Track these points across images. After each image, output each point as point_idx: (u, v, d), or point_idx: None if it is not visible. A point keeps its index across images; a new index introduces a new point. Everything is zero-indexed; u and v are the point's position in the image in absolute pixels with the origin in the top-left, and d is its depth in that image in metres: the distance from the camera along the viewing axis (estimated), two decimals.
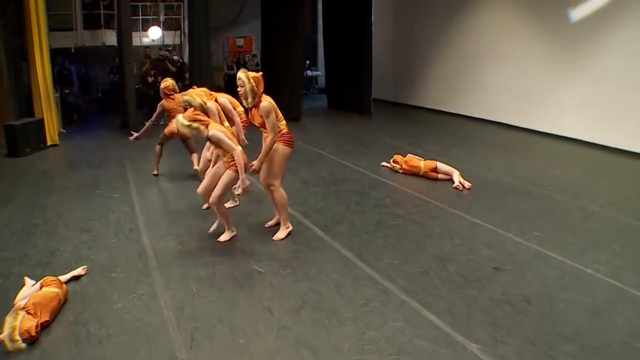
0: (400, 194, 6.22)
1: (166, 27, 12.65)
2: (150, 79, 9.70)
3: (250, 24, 14.08)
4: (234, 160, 4.34)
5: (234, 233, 4.76)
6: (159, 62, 10.24)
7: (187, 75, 11.01)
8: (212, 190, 4.48)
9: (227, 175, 4.45)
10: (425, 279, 4.09)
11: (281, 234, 4.78)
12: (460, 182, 6.44)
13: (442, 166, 6.77)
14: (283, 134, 4.61)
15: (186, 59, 11.42)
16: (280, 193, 4.73)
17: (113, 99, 11.44)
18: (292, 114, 10.79)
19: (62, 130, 9.42)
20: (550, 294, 3.85)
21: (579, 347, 3.16)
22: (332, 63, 13.11)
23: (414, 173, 6.93)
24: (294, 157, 7.58)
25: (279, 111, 4.61)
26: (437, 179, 6.73)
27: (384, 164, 7.44)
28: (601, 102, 8.58)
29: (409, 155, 7.13)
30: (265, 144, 4.55)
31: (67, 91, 10.06)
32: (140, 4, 11.89)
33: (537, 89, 9.76)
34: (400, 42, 13.46)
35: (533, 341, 3.21)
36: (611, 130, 8.45)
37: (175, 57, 11.18)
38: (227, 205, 5.37)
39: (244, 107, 5.01)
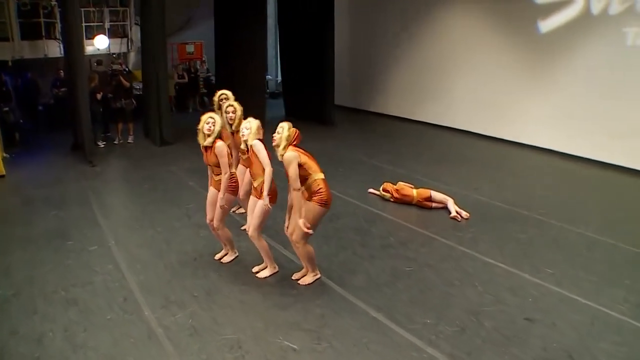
0: (402, 230, 5.98)
1: (111, 34, 11.55)
2: (99, 95, 8.78)
3: (197, 29, 13.27)
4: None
5: (276, 270, 4.78)
6: (111, 77, 9.29)
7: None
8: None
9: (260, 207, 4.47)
10: (465, 339, 3.90)
11: (308, 279, 4.66)
12: (457, 212, 6.33)
13: (436, 195, 6.63)
14: (319, 191, 4.29)
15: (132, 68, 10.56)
16: (307, 248, 4.51)
17: (58, 116, 10.29)
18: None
19: (4, 155, 8.28)
20: (588, 346, 3.83)
21: None
22: (290, 67, 12.43)
23: (406, 202, 6.75)
24: (277, 184, 7.25)
25: (313, 164, 4.40)
26: (431, 208, 6.61)
27: (372, 191, 7.19)
28: (568, 112, 8.90)
29: (399, 183, 6.92)
30: (295, 200, 4.29)
31: (5, 109, 8.87)
32: (83, 9, 10.68)
33: (505, 98, 9.96)
34: (359, 47, 13.19)
35: None
36: (579, 140, 8.80)
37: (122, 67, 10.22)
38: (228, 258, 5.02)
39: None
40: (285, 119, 12.44)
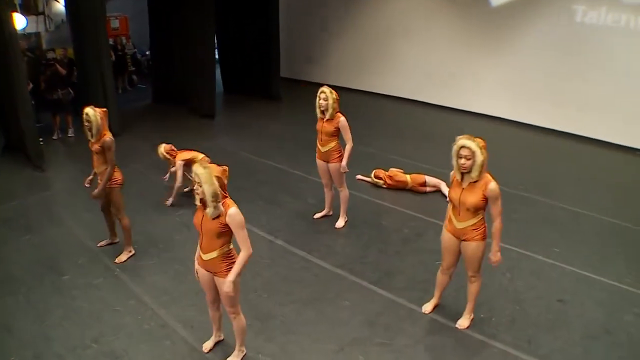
0: (412, 220, 6.05)
1: (24, 11, 9.73)
2: (29, 86, 7.46)
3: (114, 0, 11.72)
4: None
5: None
6: (45, 67, 7.83)
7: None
8: None
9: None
10: (520, 328, 4.16)
11: None
12: None
13: (430, 179, 6.79)
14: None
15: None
16: None
17: None
18: (204, 110, 9.61)
19: None
20: (617, 319, 4.31)
21: None
22: (227, 39, 11.41)
23: (399, 187, 6.82)
24: (253, 176, 6.93)
25: None
26: (425, 192, 6.76)
27: (361, 177, 7.15)
28: (519, 81, 9.49)
29: (391, 169, 6.96)
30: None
31: None
32: None
33: (456, 67, 10.30)
34: (300, 17, 12.64)
35: None
36: (531, 109, 9.48)
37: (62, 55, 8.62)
38: None
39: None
40: (228, 96, 11.79)
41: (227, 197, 3.22)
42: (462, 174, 3.69)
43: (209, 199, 3.10)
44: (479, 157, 3.57)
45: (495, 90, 9.85)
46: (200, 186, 3.10)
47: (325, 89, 5.28)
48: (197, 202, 3.25)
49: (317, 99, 5.33)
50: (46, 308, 4.26)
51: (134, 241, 5.12)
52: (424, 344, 4.03)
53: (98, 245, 5.24)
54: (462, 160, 3.60)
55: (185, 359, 3.76)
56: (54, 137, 8.21)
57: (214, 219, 3.17)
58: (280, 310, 4.35)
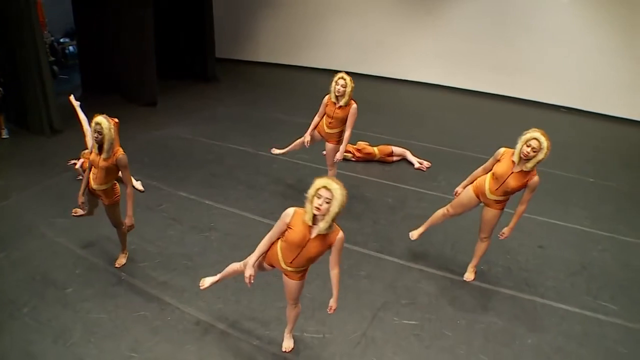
0: (390, 189, 6.41)
1: None
2: None
3: None
4: None
5: None
6: None
7: None
8: None
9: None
10: (528, 275, 4.72)
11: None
12: (419, 163, 6.98)
13: (396, 149, 7.15)
14: None
15: None
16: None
17: None
18: (146, 98, 9.12)
19: None
20: (590, 257, 5.10)
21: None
22: (156, 21, 10.55)
23: (368, 159, 7.11)
24: (223, 162, 6.86)
25: None
26: (392, 162, 7.13)
27: None
28: (452, 50, 10.18)
29: (359, 142, 7.20)
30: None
31: None
32: None
33: (388, 38, 10.73)
34: None
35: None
36: (464, 75, 10.25)
37: None
38: None
39: None
40: (160, 82, 11.12)
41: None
42: (520, 159, 3.98)
43: (330, 217, 2.99)
44: (542, 154, 3.89)
45: (430, 59, 10.46)
46: (329, 202, 2.97)
47: (345, 76, 5.21)
48: (308, 219, 3.07)
49: (334, 83, 5.25)
50: (62, 326, 3.96)
51: (128, 242, 4.89)
52: (443, 298, 4.43)
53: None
54: (529, 150, 3.88)
55: (236, 351, 3.80)
56: None
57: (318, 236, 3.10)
58: (306, 290, 4.44)
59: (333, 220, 3.02)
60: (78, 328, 3.95)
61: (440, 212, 4.71)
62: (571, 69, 9.32)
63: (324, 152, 7.15)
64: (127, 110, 8.57)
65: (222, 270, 3.86)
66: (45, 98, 7.06)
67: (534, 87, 9.69)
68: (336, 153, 5.54)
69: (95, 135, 4.03)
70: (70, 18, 10.81)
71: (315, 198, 2.97)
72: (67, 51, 11.51)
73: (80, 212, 4.85)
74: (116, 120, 4.20)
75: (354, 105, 5.31)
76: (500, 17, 9.59)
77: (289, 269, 3.32)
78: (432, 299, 4.44)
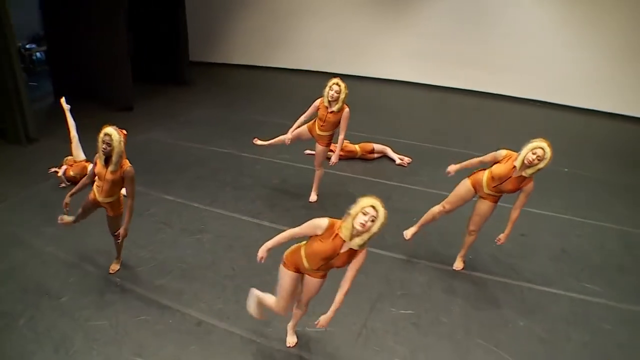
0: (373, 185, 6.54)
1: None
2: None
3: None
4: None
5: None
6: None
7: None
8: None
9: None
10: (514, 261, 4.94)
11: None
12: (400, 159, 7.16)
13: (377, 146, 7.31)
14: None
15: None
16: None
17: None
18: (121, 103, 9.00)
19: None
20: (569, 242, 5.40)
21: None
22: (129, 24, 10.29)
23: (349, 157, 7.24)
24: (208, 165, 6.89)
25: None
26: (373, 159, 7.28)
27: (309, 152, 7.41)
28: (423, 48, 10.48)
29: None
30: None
31: None
32: None
33: (362, 38, 10.95)
34: None
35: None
36: (435, 72, 10.55)
37: None
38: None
39: None
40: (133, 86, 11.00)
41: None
42: (522, 165, 4.12)
43: (368, 236, 3.10)
44: (543, 164, 4.06)
45: (403, 57, 10.72)
46: (373, 221, 3.05)
47: (340, 82, 5.29)
48: (347, 235, 3.13)
49: (328, 88, 5.31)
50: (62, 335, 3.90)
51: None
52: (436, 287, 4.60)
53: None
54: (534, 157, 4.03)
55: (241, 349, 3.85)
56: None
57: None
58: None
59: (369, 239, 3.11)
60: (78, 336, 3.91)
61: (436, 209, 4.81)
62: (541, 64, 9.74)
63: (306, 152, 7.33)
64: (102, 115, 8.40)
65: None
66: (21, 106, 6.88)
67: (506, 82, 10.07)
68: (325, 154, 5.67)
69: (104, 146, 3.94)
70: (35, 24, 10.58)
71: (361, 214, 3.04)
72: (34, 57, 11.20)
73: (67, 219, 4.74)
74: (125, 132, 4.10)
75: (347, 110, 5.41)
76: (471, 15, 9.93)
77: (313, 269, 3.38)
78: (426, 289, 4.59)
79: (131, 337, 3.91)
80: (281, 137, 5.93)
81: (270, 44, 11.96)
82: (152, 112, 9.19)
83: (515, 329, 4.11)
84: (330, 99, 5.34)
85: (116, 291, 4.43)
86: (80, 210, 4.49)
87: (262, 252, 3.40)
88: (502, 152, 4.33)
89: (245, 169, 6.99)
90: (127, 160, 4.12)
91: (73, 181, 6.16)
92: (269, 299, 3.69)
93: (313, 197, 6.11)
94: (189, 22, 10.98)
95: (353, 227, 3.07)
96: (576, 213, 5.95)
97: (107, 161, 4.06)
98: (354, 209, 3.07)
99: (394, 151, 7.31)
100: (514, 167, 4.19)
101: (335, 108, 5.38)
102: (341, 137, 5.51)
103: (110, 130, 3.94)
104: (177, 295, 4.40)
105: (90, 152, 6.02)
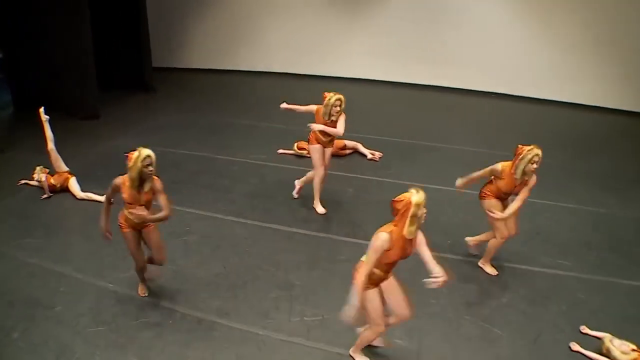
0: (349, 180, 6.80)
1: None
2: None
3: None
4: None
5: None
6: None
7: None
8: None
9: None
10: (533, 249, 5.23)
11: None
12: (372, 154, 7.41)
13: (348, 143, 7.53)
14: None
15: None
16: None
17: None
18: (87, 111, 8.82)
19: None
20: (539, 224, 5.78)
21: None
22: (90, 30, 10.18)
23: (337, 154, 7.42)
24: (184, 168, 6.92)
25: None
26: (345, 155, 7.50)
27: (282, 151, 7.57)
28: (385, 47, 10.85)
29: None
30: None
31: None
32: None
33: (324, 39, 11.20)
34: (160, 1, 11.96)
35: None
36: (399, 69, 10.94)
37: None
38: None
39: None
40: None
41: None
42: (523, 175, 4.32)
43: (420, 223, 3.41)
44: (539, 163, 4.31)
45: (365, 56, 11.04)
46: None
47: (342, 98, 5.43)
48: (412, 233, 3.40)
49: (332, 105, 5.40)
50: (61, 344, 3.85)
51: (106, 254, 4.84)
52: (421, 271, 4.59)
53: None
54: (535, 166, 4.29)
55: (244, 342, 3.94)
56: None
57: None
58: (294, 278, 4.71)
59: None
60: (79, 343, 3.89)
61: (499, 239, 4.74)
62: (497, 57, 10.26)
63: (279, 151, 7.47)
64: (68, 124, 8.23)
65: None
66: None
67: (466, 77, 10.56)
68: (330, 154, 5.92)
69: (150, 170, 3.87)
70: None
71: (421, 211, 3.36)
72: None
73: (144, 288, 4.49)
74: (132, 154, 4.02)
75: (343, 115, 5.57)
76: (429, 13, 10.36)
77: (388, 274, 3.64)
78: (412, 273, 4.76)
79: (133, 340, 3.93)
80: (305, 107, 5.79)
81: (232, 47, 11.97)
82: (117, 119, 9.03)
83: (500, 304, 4.41)
84: (332, 117, 5.49)
85: (111, 297, 4.41)
86: (133, 254, 4.25)
87: (355, 308, 3.42)
88: (498, 167, 4.49)
89: (222, 170, 7.03)
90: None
91: (53, 190, 6.14)
92: (366, 334, 3.78)
93: (294, 188, 6.20)
94: (149, 27, 10.87)
95: (417, 225, 3.38)
96: (544, 197, 6.33)
97: (141, 184, 3.98)
98: (415, 211, 3.33)
99: (365, 147, 7.54)
100: (515, 179, 4.41)
101: (334, 119, 5.53)
102: (337, 131, 5.62)
103: (149, 152, 3.89)
104: (173, 296, 4.44)
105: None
